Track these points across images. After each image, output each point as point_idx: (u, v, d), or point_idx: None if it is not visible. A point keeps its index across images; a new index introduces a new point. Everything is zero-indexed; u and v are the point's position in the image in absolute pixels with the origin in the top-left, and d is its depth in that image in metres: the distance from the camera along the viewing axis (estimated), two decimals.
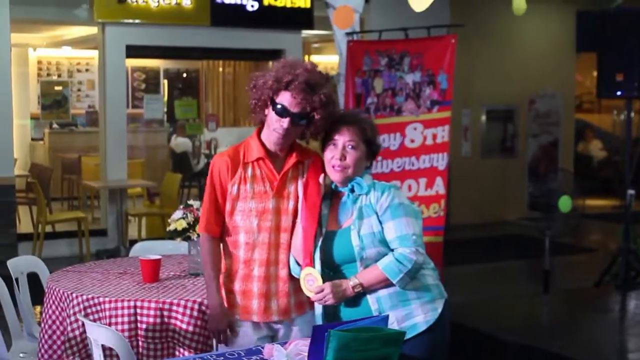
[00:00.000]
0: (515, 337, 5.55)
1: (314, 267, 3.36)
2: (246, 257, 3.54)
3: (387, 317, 2.79)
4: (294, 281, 3.53)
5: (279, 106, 3.41)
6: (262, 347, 3.14)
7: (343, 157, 3.40)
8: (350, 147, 3.41)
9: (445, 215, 6.38)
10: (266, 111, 3.49)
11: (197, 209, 4.59)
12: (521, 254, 10.33)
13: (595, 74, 8.64)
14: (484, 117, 12.94)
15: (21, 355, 4.65)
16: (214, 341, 3.68)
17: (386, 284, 3.29)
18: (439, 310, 3.35)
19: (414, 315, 3.31)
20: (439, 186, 6.30)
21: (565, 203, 7.13)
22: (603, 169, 15.77)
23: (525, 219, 7.61)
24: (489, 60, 12.63)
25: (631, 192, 7.38)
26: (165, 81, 16.17)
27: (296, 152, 3.55)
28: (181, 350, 4.00)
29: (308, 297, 3.41)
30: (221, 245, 3.64)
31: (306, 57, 15.26)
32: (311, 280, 3.35)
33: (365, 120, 3.57)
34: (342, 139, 3.42)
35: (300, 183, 3.51)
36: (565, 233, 7.67)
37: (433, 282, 3.40)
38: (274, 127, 3.44)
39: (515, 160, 13.23)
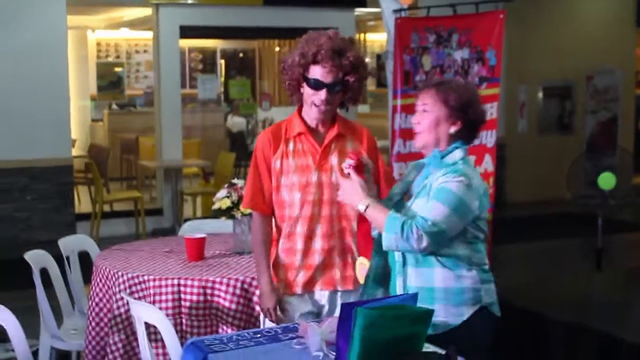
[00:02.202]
0: (565, 316, 5.48)
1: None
2: (290, 230, 3.56)
3: (416, 294, 2.77)
4: (338, 254, 3.56)
5: (311, 80, 3.45)
6: (299, 324, 3.16)
7: (417, 123, 3.22)
8: (423, 110, 3.19)
9: (494, 193, 6.31)
10: (301, 90, 3.53)
11: (241, 188, 4.62)
12: (578, 232, 10.16)
13: None
14: (540, 94, 12.74)
15: (72, 331, 4.76)
16: (261, 319, 3.70)
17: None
18: (464, 318, 3.10)
19: (435, 316, 2.94)
20: (488, 163, 6.21)
21: (606, 180, 6.90)
22: None
23: (579, 197, 7.48)
24: (546, 36, 12.41)
25: None
26: (222, 61, 16.24)
27: (337, 125, 3.57)
28: (224, 327, 4.05)
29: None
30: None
31: (360, 35, 15.21)
32: (362, 270, 3.41)
33: (448, 83, 3.23)
34: (419, 102, 3.22)
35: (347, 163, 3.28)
36: (617, 212, 7.47)
37: (470, 285, 3.11)
38: (313, 101, 3.47)
39: (572, 137, 13.01)
